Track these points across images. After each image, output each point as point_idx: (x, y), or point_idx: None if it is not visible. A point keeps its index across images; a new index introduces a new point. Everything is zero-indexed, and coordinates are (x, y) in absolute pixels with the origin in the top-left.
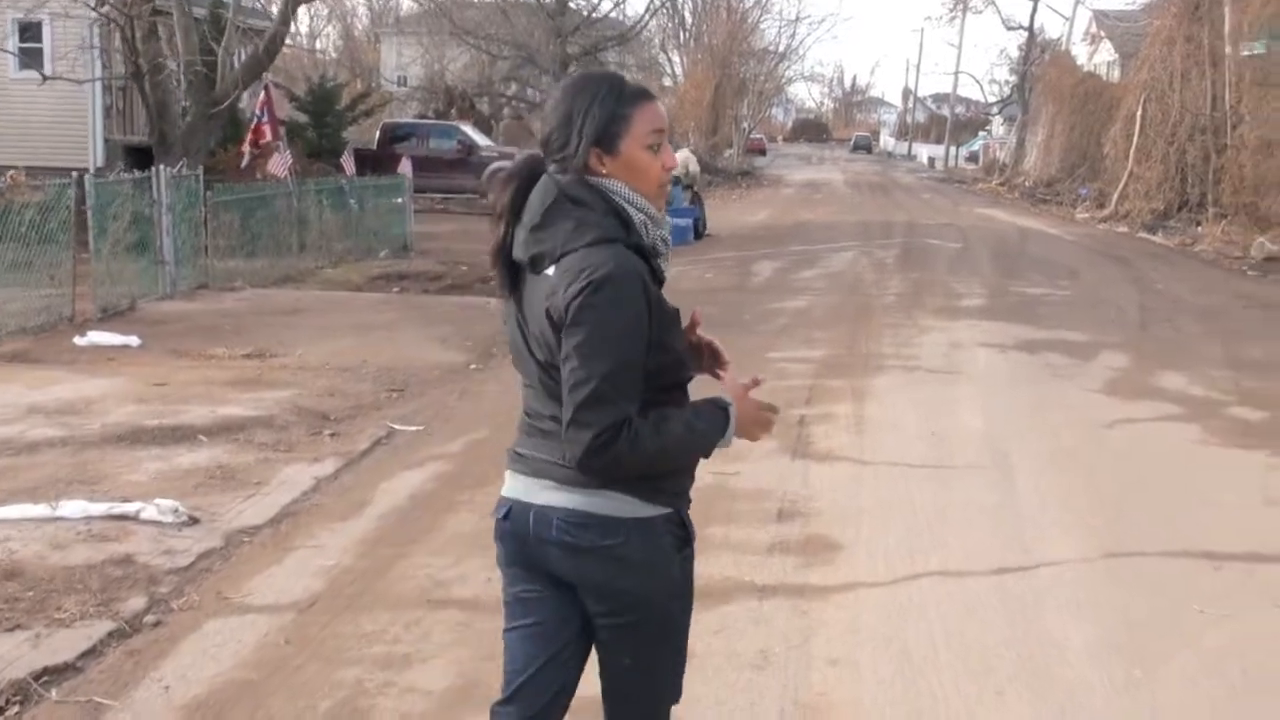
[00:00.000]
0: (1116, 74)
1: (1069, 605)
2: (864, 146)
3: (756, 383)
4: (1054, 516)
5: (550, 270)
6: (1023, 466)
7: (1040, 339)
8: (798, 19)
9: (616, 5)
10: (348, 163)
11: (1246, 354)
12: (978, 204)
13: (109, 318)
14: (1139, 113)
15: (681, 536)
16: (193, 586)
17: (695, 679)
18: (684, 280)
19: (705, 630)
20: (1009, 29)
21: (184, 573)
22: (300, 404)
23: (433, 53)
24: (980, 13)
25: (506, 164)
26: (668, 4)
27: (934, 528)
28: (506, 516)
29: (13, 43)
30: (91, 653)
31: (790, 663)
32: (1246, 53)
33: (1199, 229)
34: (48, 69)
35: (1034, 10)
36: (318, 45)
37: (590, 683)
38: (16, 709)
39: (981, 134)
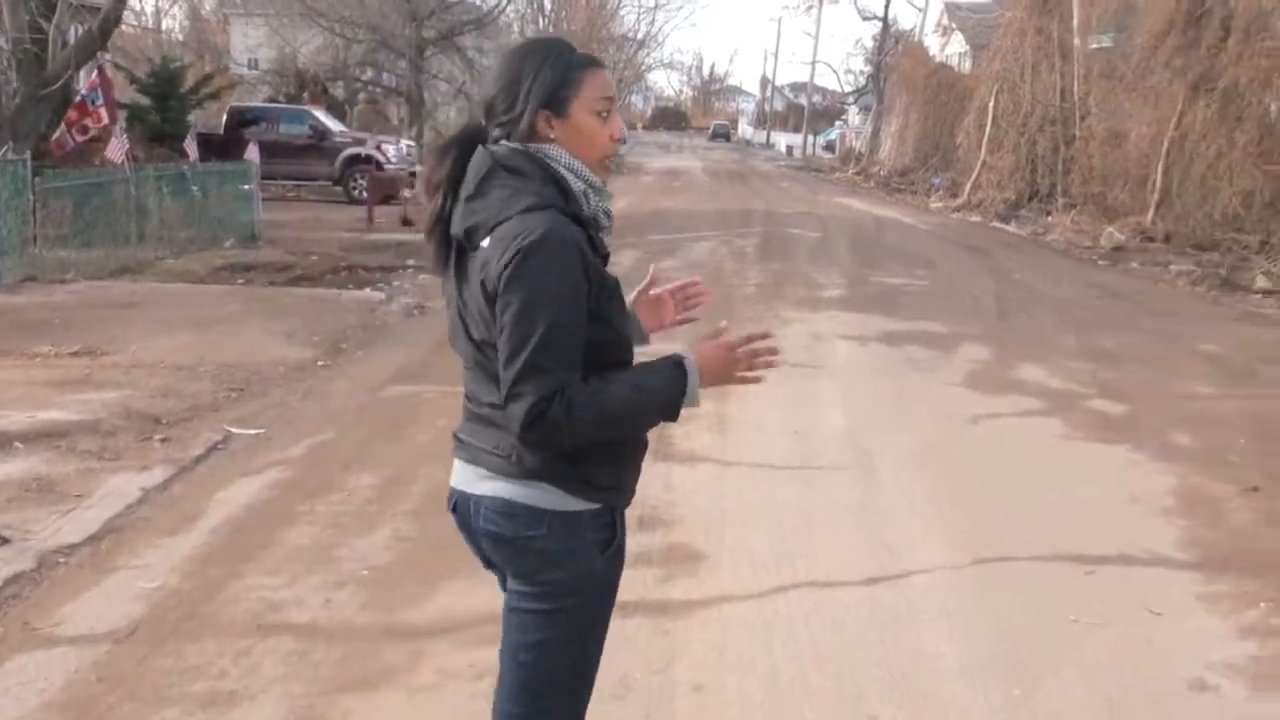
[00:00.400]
0: (968, 65)
1: (941, 616)
2: (723, 135)
3: (719, 332)
4: (922, 520)
5: (485, 242)
6: (888, 466)
7: (901, 331)
8: (656, 6)
9: None
10: (190, 147)
11: (1101, 345)
12: (835, 193)
13: None
14: (991, 103)
15: (607, 536)
16: None
17: None
18: None
19: None
20: (864, 19)
21: None
22: (131, 406)
23: (284, 35)
24: (836, 2)
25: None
26: None
27: (800, 534)
28: (454, 508)
29: None
30: None
31: (652, 690)
32: (1095, 45)
33: (1049, 218)
34: None
35: (888, 1)
36: (164, 25)
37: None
38: None
39: (838, 123)
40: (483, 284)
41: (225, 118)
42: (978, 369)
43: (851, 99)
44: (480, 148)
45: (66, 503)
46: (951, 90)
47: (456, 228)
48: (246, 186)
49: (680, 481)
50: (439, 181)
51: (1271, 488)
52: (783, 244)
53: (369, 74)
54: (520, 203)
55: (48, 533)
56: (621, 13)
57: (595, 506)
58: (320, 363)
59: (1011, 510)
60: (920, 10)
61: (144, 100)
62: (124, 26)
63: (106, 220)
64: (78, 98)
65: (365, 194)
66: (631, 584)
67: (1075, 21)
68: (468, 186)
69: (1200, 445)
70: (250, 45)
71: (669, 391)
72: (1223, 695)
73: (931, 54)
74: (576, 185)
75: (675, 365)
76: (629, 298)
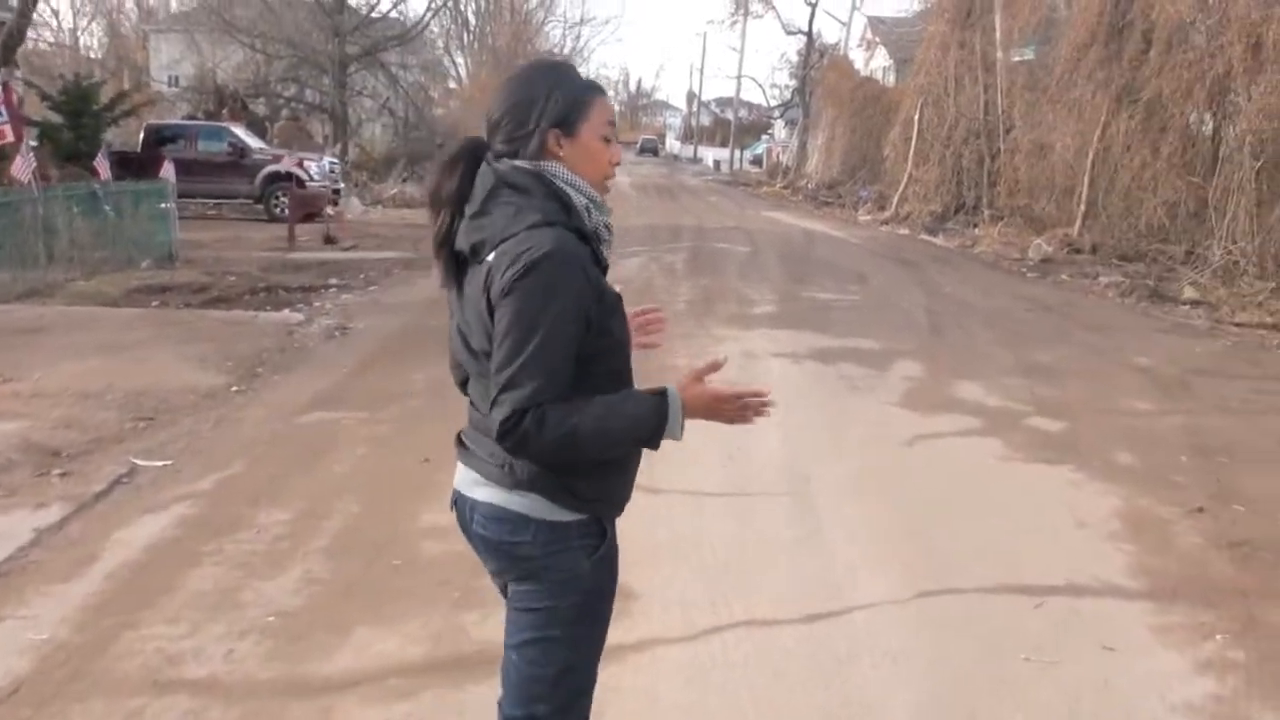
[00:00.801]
0: (892, 79)
1: (886, 658)
2: (650, 149)
3: (715, 366)
4: (862, 550)
5: (490, 257)
6: (826, 492)
7: (834, 348)
8: (582, 21)
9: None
10: (102, 166)
11: (1036, 359)
12: (763, 207)
13: None
14: (916, 116)
15: (594, 544)
16: None
17: None
18: None
19: (483, 707)
20: (788, 33)
21: None
22: (30, 438)
23: (203, 51)
24: (761, 17)
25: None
26: (450, 4)
27: (736, 569)
28: (454, 506)
29: None
30: None
31: None
32: (1017, 58)
33: (977, 230)
34: None
35: (812, 16)
36: (81, 42)
37: None
38: None
39: (765, 137)
40: (487, 296)
41: (142, 135)
42: (913, 387)
43: (777, 113)
44: (485, 165)
45: None
46: (877, 104)
47: (462, 243)
48: (164, 205)
49: None
50: (446, 197)
51: (1215, 508)
52: (712, 259)
53: (292, 90)
54: (526, 219)
55: None
56: (547, 28)
57: (582, 517)
58: (234, 389)
59: (954, 538)
60: (844, 25)
61: (56, 118)
62: (39, 44)
63: (13, 241)
64: None
65: (287, 212)
66: None
67: (998, 35)
68: (473, 204)
69: (1142, 464)
70: (170, 62)
71: (649, 421)
72: None
73: (856, 68)
74: (579, 200)
75: (658, 396)
76: None
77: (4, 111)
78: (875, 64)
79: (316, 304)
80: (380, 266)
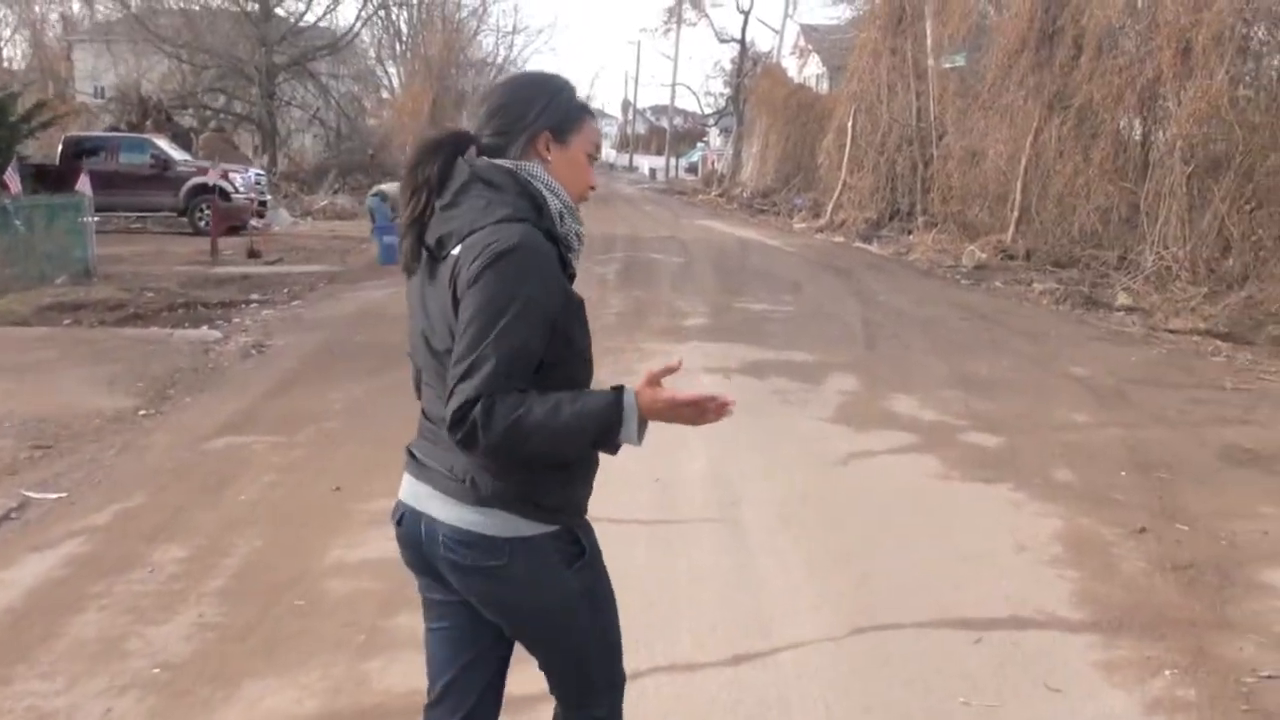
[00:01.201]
0: (826, 86)
1: (818, 705)
2: None
3: (670, 369)
4: (793, 582)
5: (456, 250)
6: (756, 518)
7: (767, 361)
8: (515, 30)
9: (325, 14)
10: (12, 179)
11: (972, 370)
12: (698, 215)
13: None
14: (850, 124)
15: (573, 552)
16: None
17: None
18: (391, 305)
19: None
20: (722, 41)
21: None
22: None
23: (129, 62)
24: (694, 25)
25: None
26: (380, 13)
27: (660, 605)
28: (400, 522)
29: None
30: None
31: None
32: (948, 65)
33: (911, 238)
34: None
35: (745, 24)
36: (5, 53)
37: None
38: None
39: (700, 145)
40: (453, 290)
41: (60, 148)
42: (847, 401)
43: (712, 121)
44: (460, 159)
45: None
46: (811, 111)
47: (429, 236)
48: (82, 220)
49: None
50: (421, 181)
51: (1158, 527)
52: (645, 270)
53: (220, 101)
54: (495, 213)
55: None
56: (480, 37)
57: (552, 529)
58: (142, 412)
59: (890, 567)
60: (777, 33)
61: None
62: None
63: None
64: None
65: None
66: None
67: (929, 42)
68: (444, 196)
69: (1082, 481)
70: (95, 73)
71: (601, 420)
72: None
73: (790, 75)
74: (554, 204)
75: (612, 397)
76: None
77: None
78: (809, 71)
79: (236, 320)
80: (305, 281)
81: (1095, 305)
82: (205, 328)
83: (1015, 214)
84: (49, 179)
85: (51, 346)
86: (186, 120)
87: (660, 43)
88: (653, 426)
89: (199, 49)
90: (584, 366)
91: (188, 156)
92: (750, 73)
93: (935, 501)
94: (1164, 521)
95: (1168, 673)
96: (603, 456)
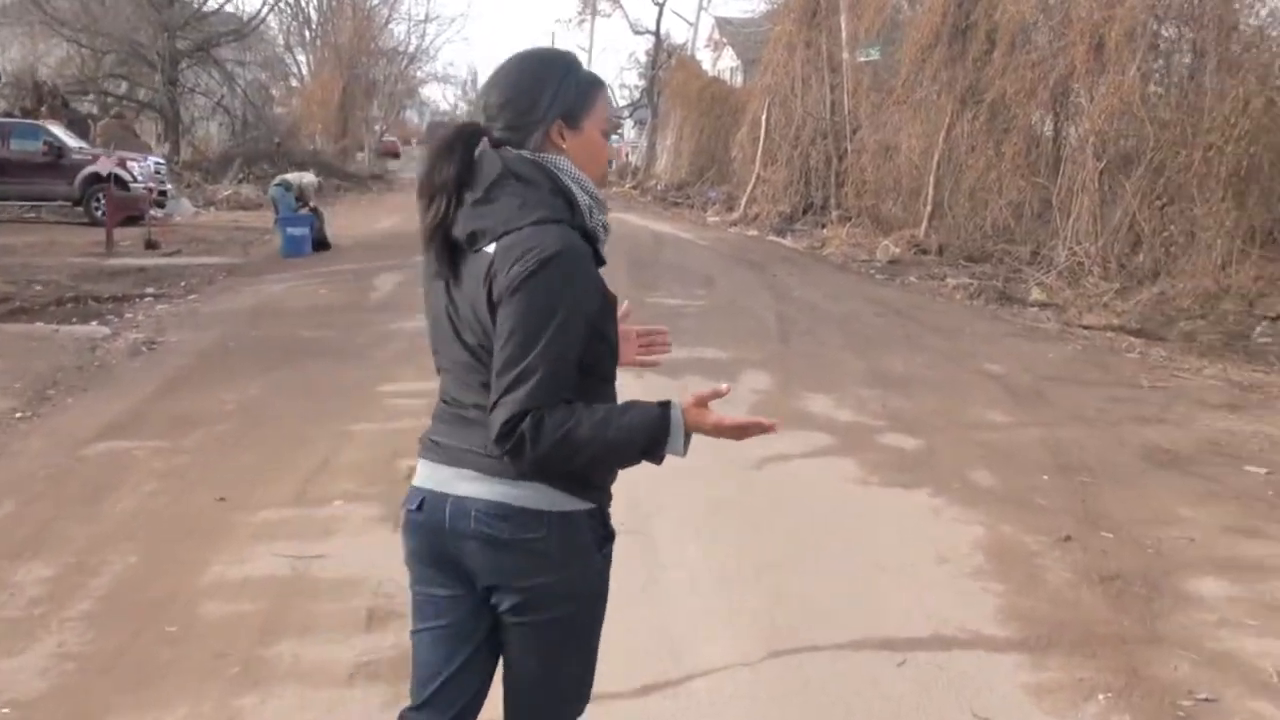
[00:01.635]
0: (740, 79)
1: None
2: None
3: (718, 393)
4: (706, 601)
5: (490, 248)
6: (668, 530)
7: (680, 359)
8: (427, 19)
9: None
10: None
11: (888, 367)
12: (612, 207)
13: None
14: (764, 117)
15: (604, 534)
16: None
17: None
18: (291, 299)
19: None
20: (636, 33)
21: None
22: None
23: (25, 45)
24: (609, 16)
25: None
26: (288, 0)
27: None
28: (419, 508)
29: None
30: None
31: None
32: (863, 58)
33: (825, 231)
34: None
35: (660, 16)
36: None
37: None
38: None
39: (614, 137)
40: (488, 292)
41: None
42: (762, 400)
43: (627, 113)
44: (491, 151)
45: None
46: (725, 104)
47: (460, 230)
48: None
49: None
50: (440, 185)
51: (1083, 534)
52: None
53: (123, 88)
54: (531, 214)
55: None
56: (391, 25)
57: (590, 506)
58: (18, 414)
59: (807, 582)
60: (691, 25)
61: None
62: None
63: None
64: None
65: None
66: (349, 711)
67: (844, 35)
68: (476, 190)
69: (1003, 485)
70: None
71: (649, 434)
72: None
73: (704, 68)
74: (582, 199)
75: (659, 412)
76: None
77: None
78: (723, 64)
79: (128, 315)
80: (204, 273)
81: (1009, 300)
82: (94, 323)
83: (928, 209)
84: None
85: None
86: (87, 107)
87: (575, 34)
88: None
89: (98, 33)
90: (613, 360)
91: (84, 144)
92: (665, 65)
93: (853, 509)
94: (1088, 528)
95: (1101, 697)
96: None
